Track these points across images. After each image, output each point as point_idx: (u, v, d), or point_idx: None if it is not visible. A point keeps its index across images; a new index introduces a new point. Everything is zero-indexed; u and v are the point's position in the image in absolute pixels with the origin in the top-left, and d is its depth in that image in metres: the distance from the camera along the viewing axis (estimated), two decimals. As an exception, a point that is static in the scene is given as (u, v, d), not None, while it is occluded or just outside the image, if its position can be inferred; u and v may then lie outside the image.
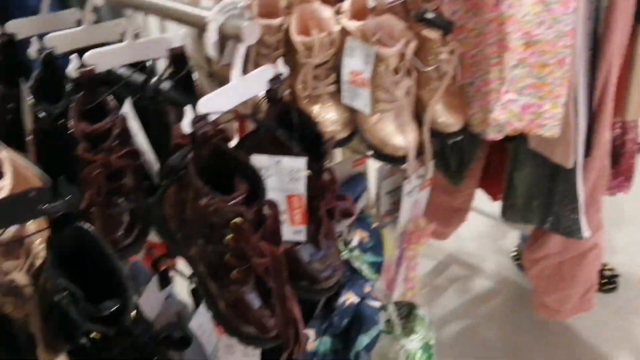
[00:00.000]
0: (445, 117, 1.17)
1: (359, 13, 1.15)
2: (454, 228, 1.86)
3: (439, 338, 1.49)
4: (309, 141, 0.87)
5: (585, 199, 1.34)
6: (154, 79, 0.94)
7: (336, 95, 1.18)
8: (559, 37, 1.00)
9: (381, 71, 1.08)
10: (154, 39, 0.94)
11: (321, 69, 1.16)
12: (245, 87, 0.80)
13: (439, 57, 1.13)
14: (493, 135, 1.16)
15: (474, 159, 1.62)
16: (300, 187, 0.84)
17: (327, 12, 1.17)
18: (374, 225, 1.31)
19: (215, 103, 0.77)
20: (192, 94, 0.94)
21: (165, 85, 0.94)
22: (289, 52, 1.18)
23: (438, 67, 1.13)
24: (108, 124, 0.89)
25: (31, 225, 0.74)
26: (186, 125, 0.75)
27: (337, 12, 1.21)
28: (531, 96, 1.05)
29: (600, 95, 1.28)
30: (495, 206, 1.70)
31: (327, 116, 1.18)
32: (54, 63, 0.96)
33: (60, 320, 0.66)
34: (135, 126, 0.94)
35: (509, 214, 1.52)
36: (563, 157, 1.22)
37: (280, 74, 0.83)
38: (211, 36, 0.73)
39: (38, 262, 0.74)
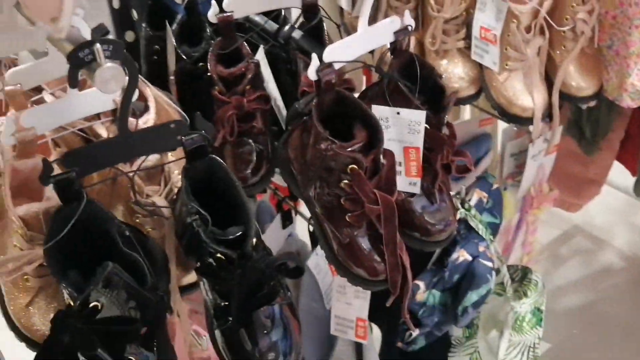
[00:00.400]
0: (578, 80, 1.14)
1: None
2: (586, 200, 1.78)
3: (552, 306, 1.46)
4: (431, 94, 0.88)
5: None
6: (287, 28, 0.99)
7: (465, 51, 1.17)
8: None
9: (513, 28, 1.06)
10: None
11: (451, 23, 1.16)
12: (371, 37, 0.83)
13: (576, 17, 1.08)
14: (629, 101, 1.11)
15: (610, 129, 1.54)
16: (418, 140, 0.86)
17: (462, -34, 1.16)
18: (495, 186, 1.30)
19: (340, 52, 0.80)
20: (321, 44, 0.97)
21: (297, 34, 0.98)
22: (420, 5, 1.18)
23: (574, 27, 1.09)
24: (242, 68, 0.95)
25: (170, 155, 0.82)
26: (312, 73, 0.79)
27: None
28: (675, 61, 0.99)
29: None
30: (631, 181, 1.62)
31: (455, 71, 1.18)
32: (196, 8, 1.03)
33: (190, 241, 0.73)
34: (267, 72, 0.99)
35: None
36: None
37: (408, 26, 0.85)
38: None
39: (175, 190, 0.82)
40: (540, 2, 1.04)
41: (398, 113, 0.86)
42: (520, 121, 1.12)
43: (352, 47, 0.82)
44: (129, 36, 1.26)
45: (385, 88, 0.87)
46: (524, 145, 1.29)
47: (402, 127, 0.86)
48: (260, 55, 0.99)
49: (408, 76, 0.88)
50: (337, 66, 0.80)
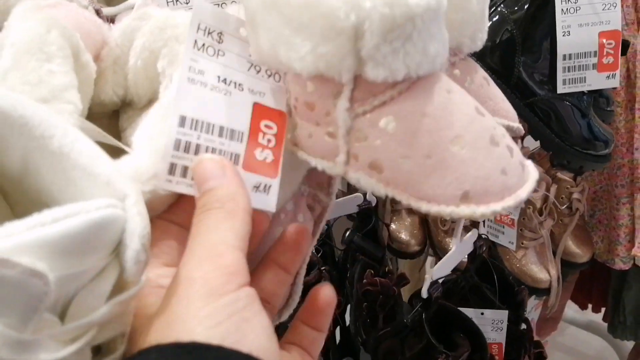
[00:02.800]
0: (574, 249, 1.29)
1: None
2: (544, 337, 1.93)
3: None
4: (503, 292, 0.96)
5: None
6: (348, 233, 1.04)
7: (470, 228, 1.29)
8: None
9: (529, 213, 1.19)
10: (348, 197, 1.05)
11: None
12: (462, 251, 0.91)
13: (571, 196, 1.25)
14: (621, 265, 1.27)
15: (568, 275, 1.72)
16: (501, 337, 0.93)
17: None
18: None
19: (443, 269, 0.87)
20: (378, 244, 1.04)
21: (357, 238, 1.04)
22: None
23: (570, 205, 1.25)
24: (312, 278, 0.98)
25: None
26: (424, 292, 0.85)
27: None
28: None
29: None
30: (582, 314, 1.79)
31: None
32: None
33: None
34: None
35: (619, 331, 1.59)
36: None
37: (482, 235, 0.94)
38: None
39: None
40: (547, 188, 1.19)
41: (482, 314, 0.93)
42: (539, 292, 1.24)
43: (450, 262, 0.89)
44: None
45: (467, 289, 0.94)
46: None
47: (485, 326, 0.93)
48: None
49: (481, 277, 0.96)
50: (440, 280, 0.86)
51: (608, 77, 0.78)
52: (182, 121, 0.39)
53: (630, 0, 1.14)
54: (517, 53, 0.77)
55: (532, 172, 0.38)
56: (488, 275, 0.97)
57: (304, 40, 0.36)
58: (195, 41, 0.40)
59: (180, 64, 0.41)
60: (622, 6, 1.13)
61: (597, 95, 0.95)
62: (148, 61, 0.47)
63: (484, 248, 0.95)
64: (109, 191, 0.31)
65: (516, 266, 1.24)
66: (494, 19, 0.78)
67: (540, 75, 0.77)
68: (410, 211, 1.36)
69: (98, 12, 0.62)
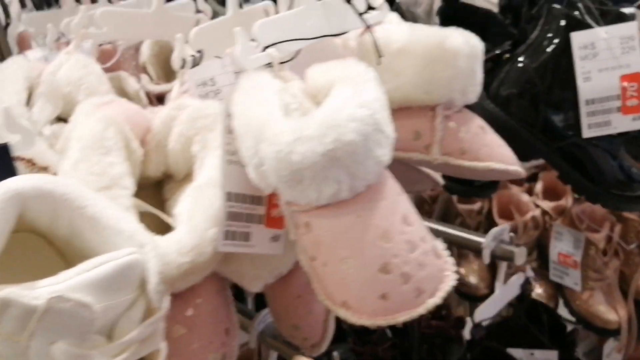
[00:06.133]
0: (648, 289, 1.25)
1: (551, 192, 1.28)
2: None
3: None
4: (553, 332, 0.97)
5: None
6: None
7: (539, 270, 1.29)
8: None
9: (591, 254, 1.18)
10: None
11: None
12: (506, 293, 0.93)
13: (639, 235, 1.22)
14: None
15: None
16: (553, 377, 0.93)
17: (524, 196, 1.31)
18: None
19: (487, 310, 0.90)
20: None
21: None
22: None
23: (639, 245, 1.23)
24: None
25: None
26: (467, 334, 0.88)
27: (528, 192, 1.35)
28: None
29: None
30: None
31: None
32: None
33: None
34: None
35: None
36: None
37: (528, 278, 0.96)
38: (485, 257, 0.87)
39: None
40: (612, 228, 1.18)
41: (532, 354, 0.94)
42: (608, 333, 1.21)
43: (493, 305, 0.91)
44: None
45: (517, 330, 0.95)
46: (592, 344, 1.37)
47: (536, 367, 0.94)
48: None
49: (531, 317, 0.97)
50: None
51: (634, 119, 0.79)
52: (229, 196, 0.52)
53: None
54: (541, 101, 0.80)
55: (430, 301, 0.45)
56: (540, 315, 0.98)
57: None
58: (227, 127, 0.50)
59: (217, 148, 0.52)
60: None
61: (638, 134, 0.95)
62: (184, 145, 0.58)
63: (531, 290, 0.96)
64: (132, 242, 0.43)
65: (583, 307, 1.22)
66: (516, 69, 0.81)
67: (565, 121, 0.80)
68: (478, 255, 1.38)
69: (148, 95, 0.73)
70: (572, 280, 1.21)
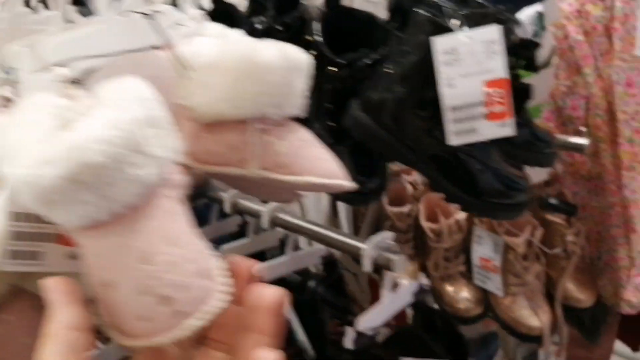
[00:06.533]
0: (576, 294, 1.23)
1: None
2: (594, 382, 1.81)
3: None
4: (451, 341, 0.95)
5: None
6: (311, 283, 1.08)
7: (467, 274, 1.26)
8: (686, 224, 1.04)
9: (511, 258, 1.16)
10: (308, 250, 1.09)
11: (451, 251, 1.26)
12: (396, 301, 0.91)
13: (565, 239, 1.19)
14: (628, 309, 1.19)
15: (607, 316, 1.61)
16: (447, 388, 0.91)
17: (453, 199, 1.29)
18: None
19: (372, 319, 0.88)
20: (344, 295, 1.06)
21: (321, 288, 1.07)
22: (419, 236, 1.29)
23: (565, 248, 1.20)
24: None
25: None
26: (349, 343, 0.86)
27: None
28: (663, 278, 1.08)
29: None
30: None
31: (460, 294, 1.26)
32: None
33: None
34: (294, 323, 1.06)
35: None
36: None
37: (423, 286, 0.94)
38: (366, 265, 0.85)
39: None
40: (532, 233, 1.15)
41: (425, 364, 0.92)
42: (530, 339, 1.18)
43: (381, 313, 0.90)
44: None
45: (411, 340, 0.93)
46: (534, 348, 1.35)
47: (430, 377, 0.92)
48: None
49: (428, 326, 0.95)
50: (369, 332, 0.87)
51: (500, 125, 0.77)
52: (15, 216, 0.51)
53: (602, 30, 1.10)
54: (408, 108, 0.78)
55: (189, 322, 0.44)
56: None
57: None
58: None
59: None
60: (588, 37, 1.10)
61: (534, 140, 0.92)
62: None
63: (423, 299, 0.94)
64: None
65: (506, 313, 1.19)
66: (382, 76, 0.79)
67: (433, 128, 0.78)
68: (410, 257, 1.36)
69: None
70: (494, 285, 1.19)
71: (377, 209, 1.35)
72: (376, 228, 1.36)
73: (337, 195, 0.89)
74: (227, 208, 1.12)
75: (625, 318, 1.64)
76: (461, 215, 1.24)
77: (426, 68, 0.76)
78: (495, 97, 0.76)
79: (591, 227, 1.25)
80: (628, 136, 1.09)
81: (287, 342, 1.03)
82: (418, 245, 1.32)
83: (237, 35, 0.65)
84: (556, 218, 1.20)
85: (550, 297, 1.24)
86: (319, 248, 1.09)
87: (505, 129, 0.76)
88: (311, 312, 1.09)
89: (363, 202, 0.89)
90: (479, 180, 0.78)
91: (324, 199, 1.50)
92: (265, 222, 1.03)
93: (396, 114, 0.79)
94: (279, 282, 1.12)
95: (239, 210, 1.08)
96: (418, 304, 0.94)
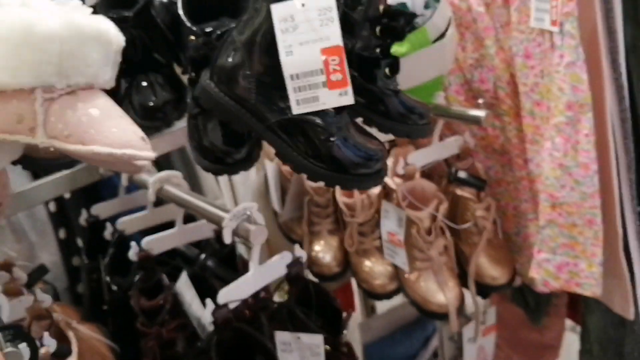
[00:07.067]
0: (490, 271, 1.20)
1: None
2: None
3: None
4: (329, 316, 0.94)
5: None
6: (202, 257, 1.07)
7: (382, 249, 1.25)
8: (583, 198, 1.01)
9: (414, 233, 1.14)
10: (200, 223, 1.09)
11: (366, 225, 1.24)
12: (265, 274, 0.90)
13: (475, 214, 1.17)
14: (540, 288, 1.16)
15: (553, 296, 1.58)
16: (320, 361, 0.90)
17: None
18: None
19: (236, 292, 0.88)
20: (235, 270, 1.06)
21: (211, 262, 1.07)
22: (338, 210, 1.28)
23: (476, 223, 1.17)
24: (160, 300, 1.02)
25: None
26: (207, 317, 0.86)
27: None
28: (565, 255, 1.05)
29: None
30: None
31: (375, 269, 1.25)
32: (123, 244, 1.12)
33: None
34: (189, 295, 1.06)
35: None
36: (622, 308, 1.18)
37: (299, 258, 0.93)
38: (226, 236, 0.85)
39: None
40: (437, 207, 1.13)
41: (298, 338, 0.91)
42: (437, 317, 1.17)
43: (247, 286, 0.89)
44: (75, 261, 1.35)
45: (285, 315, 0.93)
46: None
47: (304, 351, 0.91)
48: (184, 280, 1.06)
49: (308, 301, 0.94)
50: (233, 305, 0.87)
51: (340, 94, 0.75)
52: None
53: (501, 1, 1.06)
54: (252, 77, 0.76)
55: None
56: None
57: None
58: None
59: None
60: (489, 8, 1.06)
61: (409, 113, 0.90)
62: None
63: (301, 270, 0.93)
64: None
65: (412, 289, 1.18)
66: (228, 45, 0.78)
67: (277, 98, 0.76)
68: (331, 232, 1.35)
69: None
70: (400, 260, 1.17)
71: (300, 183, 1.34)
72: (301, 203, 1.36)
73: (205, 168, 0.88)
74: (123, 180, 1.13)
75: (572, 296, 1.61)
76: (373, 191, 1.22)
77: (267, 35, 0.75)
78: (333, 65, 0.74)
79: (507, 202, 1.22)
80: (529, 109, 1.06)
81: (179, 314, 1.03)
82: (337, 219, 1.31)
83: (44, 4, 0.64)
84: (466, 193, 1.17)
85: (465, 274, 1.22)
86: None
87: (345, 97, 0.75)
88: (200, 285, 1.09)
89: (229, 172, 0.88)
90: (324, 151, 0.76)
91: (253, 175, 1.50)
92: (151, 194, 1.03)
93: (241, 82, 0.77)
94: (172, 254, 1.13)
95: (133, 182, 1.09)
96: (293, 277, 0.93)
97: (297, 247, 0.94)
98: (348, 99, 0.75)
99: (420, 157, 1.16)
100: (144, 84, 1.05)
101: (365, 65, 0.83)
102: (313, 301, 0.93)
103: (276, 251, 1.53)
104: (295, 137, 0.77)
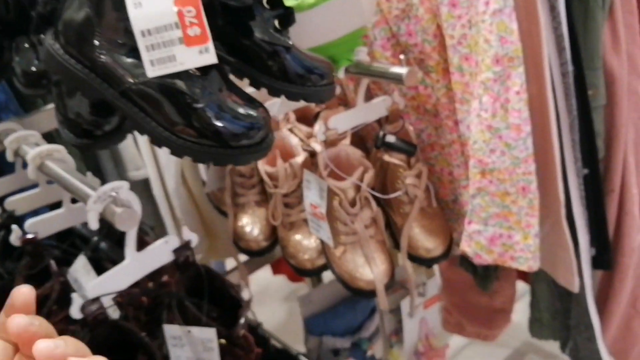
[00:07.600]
0: (424, 242, 1.10)
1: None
2: (499, 330, 1.71)
3: None
4: (226, 306, 0.84)
5: (610, 326, 1.17)
6: (95, 238, 0.96)
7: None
8: (515, 164, 0.90)
9: (336, 205, 1.03)
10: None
11: (291, 196, 1.13)
12: (146, 262, 0.79)
13: (405, 182, 1.06)
14: (478, 261, 1.06)
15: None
16: (214, 357, 0.80)
17: (294, 139, 1.15)
18: (370, 352, 1.24)
19: (109, 284, 0.77)
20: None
21: (104, 244, 0.95)
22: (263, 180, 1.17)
23: (406, 192, 1.07)
24: (47, 289, 0.91)
25: None
26: (75, 312, 0.75)
27: (311, 136, 1.18)
28: (498, 226, 0.95)
29: (621, 191, 1.12)
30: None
31: (303, 242, 1.15)
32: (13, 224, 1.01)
33: None
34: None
35: (536, 329, 1.36)
36: (567, 280, 1.08)
37: (188, 242, 0.82)
38: (92, 224, 0.73)
39: None
40: (361, 177, 1.02)
41: (189, 331, 0.81)
42: (365, 294, 1.07)
43: (122, 277, 0.78)
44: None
45: (175, 306, 0.82)
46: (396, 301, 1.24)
47: (196, 345, 0.81)
48: (80, 264, 0.95)
49: (201, 290, 0.84)
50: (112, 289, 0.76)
51: (201, 51, 0.63)
52: None
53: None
54: (99, 36, 0.64)
55: None
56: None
57: None
58: None
59: None
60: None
61: (306, 73, 0.78)
62: None
63: (191, 256, 0.82)
64: None
65: (338, 265, 1.08)
66: (70, 1, 0.65)
67: (130, 59, 0.64)
68: (258, 203, 1.24)
69: None
70: (325, 234, 1.06)
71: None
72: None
73: (72, 143, 0.76)
74: (9, 156, 1.00)
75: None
76: (298, 159, 1.10)
77: (111, -16, 0.62)
78: (189, 17, 0.61)
79: (442, 167, 1.11)
80: (457, 64, 0.94)
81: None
82: (263, 190, 1.20)
83: None
84: (395, 159, 1.06)
85: (398, 246, 1.12)
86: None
87: (206, 56, 0.62)
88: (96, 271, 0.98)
89: (100, 146, 0.76)
90: (183, 119, 0.64)
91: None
92: (31, 171, 0.91)
93: (86, 44, 0.65)
94: (67, 234, 1.01)
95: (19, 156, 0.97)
96: (182, 264, 0.82)
97: (185, 229, 0.83)
98: (210, 57, 0.63)
99: (343, 120, 1.04)
100: (26, 45, 0.93)
101: (235, 16, 0.70)
102: (206, 290, 0.82)
103: (210, 225, 1.46)
104: (154, 105, 0.65)
